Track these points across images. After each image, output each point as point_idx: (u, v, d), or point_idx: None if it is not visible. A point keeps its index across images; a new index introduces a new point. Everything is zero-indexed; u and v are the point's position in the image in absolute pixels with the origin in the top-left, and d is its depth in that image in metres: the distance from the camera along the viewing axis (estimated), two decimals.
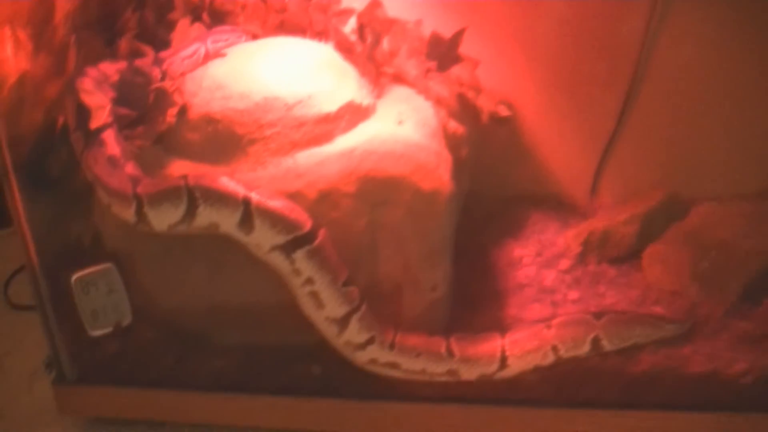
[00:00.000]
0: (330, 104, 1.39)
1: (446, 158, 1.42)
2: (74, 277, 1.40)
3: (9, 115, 1.37)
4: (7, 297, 1.87)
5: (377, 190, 1.32)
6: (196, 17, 1.60)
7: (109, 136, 1.36)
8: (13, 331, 1.77)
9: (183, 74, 1.48)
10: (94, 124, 1.34)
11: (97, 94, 1.38)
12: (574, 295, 1.54)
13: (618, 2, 1.59)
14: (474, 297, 1.53)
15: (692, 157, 1.68)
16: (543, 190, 1.78)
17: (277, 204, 1.26)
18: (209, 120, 1.38)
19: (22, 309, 1.82)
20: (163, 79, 1.46)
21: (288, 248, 1.26)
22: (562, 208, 1.76)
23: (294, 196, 1.30)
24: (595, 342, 1.36)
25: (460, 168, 1.49)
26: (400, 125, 1.43)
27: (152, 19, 1.59)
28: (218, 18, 1.60)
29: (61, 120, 1.47)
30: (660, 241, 1.62)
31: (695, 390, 1.34)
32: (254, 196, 1.24)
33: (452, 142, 1.49)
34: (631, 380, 1.36)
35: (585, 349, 1.36)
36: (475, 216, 1.67)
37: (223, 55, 1.50)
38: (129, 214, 1.29)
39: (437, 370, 1.35)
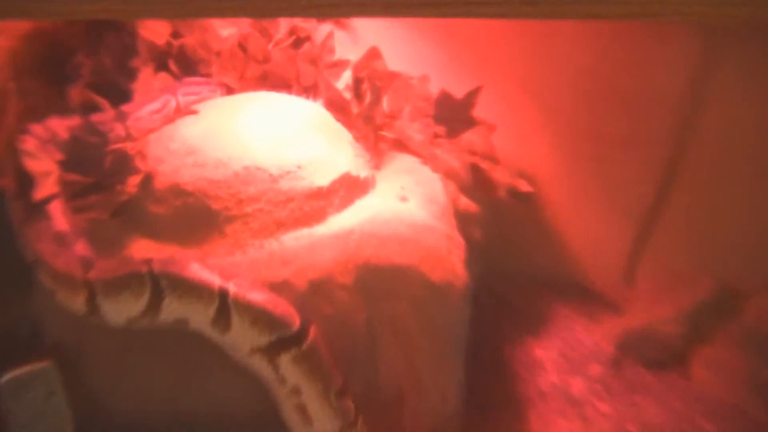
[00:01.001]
0: (322, 176, 1.45)
1: (458, 242, 1.48)
2: (4, 378, 1.39)
3: None
4: None
5: (378, 281, 1.37)
6: (162, 65, 1.65)
7: (56, 208, 1.39)
8: None
9: (148, 133, 1.53)
10: (39, 194, 1.37)
11: (42, 158, 1.42)
12: (606, 407, 1.57)
13: (651, 53, 1.66)
14: (488, 406, 1.56)
15: (746, 238, 1.72)
16: (568, 277, 1.83)
17: (259, 297, 1.29)
18: (178, 192, 1.43)
19: None
20: (126, 138, 1.50)
21: (272, 351, 1.29)
22: (590, 298, 1.81)
23: (280, 287, 1.34)
24: None
25: (472, 253, 1.53)
26: (404, 202, 1.49)
27: (110, 65, 1.63)
28: (188, 67, 1.66)
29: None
30: (711, 342, 1.65)
31: None
32: (232, 288, 1.27)
33: (464, 222, 1.55)
34: None
35: None
36: (488, 307, 1.70)
37: (195, 112, 1.55)
38: (78, 303, 1.31)
39: None
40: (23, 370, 1.39)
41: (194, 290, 1.27)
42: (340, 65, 1.64)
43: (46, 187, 1.38)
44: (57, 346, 1.43)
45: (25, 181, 1.39)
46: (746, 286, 1.70)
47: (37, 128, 1.46)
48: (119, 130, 1.51)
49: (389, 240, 1.39)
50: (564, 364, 1.65)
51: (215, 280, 1.27)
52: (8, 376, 1.38)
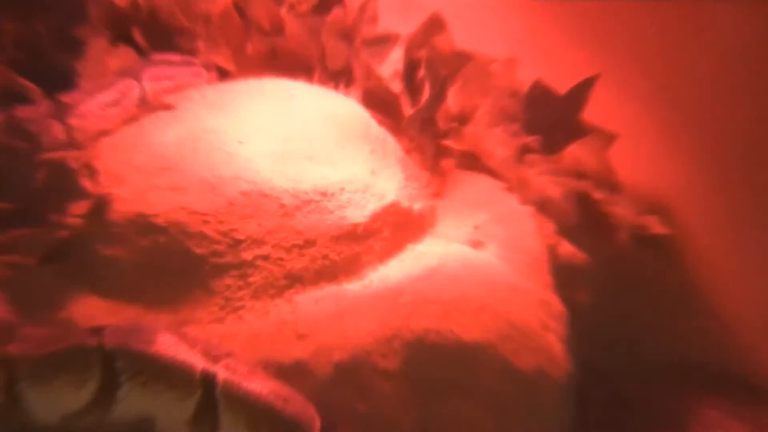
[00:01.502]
0: (357, 208, 1.49)
1: (557, 311, 1.51)
2: None
3: None
4: None
5: (439, 368, 1.40)
6: (122, 36, 1.69)
7: None
8: None
9: (100, 137, 1.56)
10: None
11: None
12: None
13: None
14: None
15: None
16: (720, 366, 1.84)
17: (261, 387, 1.30)
18: (145, 227, 1.46)
19: None
20: (67, 144, 1.53)
21: None
22: (753, 396, 1.82)
23: (292, 372, 1.37)
24: None
25: (577, 326, 1.56)
26: (478, 249, 1.52)
27: (45, 34, 1.67)
28: (160, 39, 1.69)
29: None
30: None
31: None
32: (222, 372, 1.29)
33: (566, 281, 1.57)
34: None
35: None
36: (598, 407, 1.72)
37: (170, 108, 1.59)
38: None
39: None
40: None
41: (165, 375, 1.28)
42: (385, 41, 1.67)
43: None
44: None
45: None
46: None
47: None
48: (57, 131, 1.54)
49: (456, 306, 1.41)
50: None
51: (197, 361, 1.29)
52: None
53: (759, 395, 1.83)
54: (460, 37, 1.67)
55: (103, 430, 1.30)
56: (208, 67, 1.66)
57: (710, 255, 1.80)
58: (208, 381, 1.25)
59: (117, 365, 1.25)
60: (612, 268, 1.66)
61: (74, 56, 1.64)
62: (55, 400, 1.27)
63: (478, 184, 1.61)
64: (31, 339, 1.30)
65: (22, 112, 1.55)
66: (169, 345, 1.28)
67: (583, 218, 1.62)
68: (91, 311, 1.44)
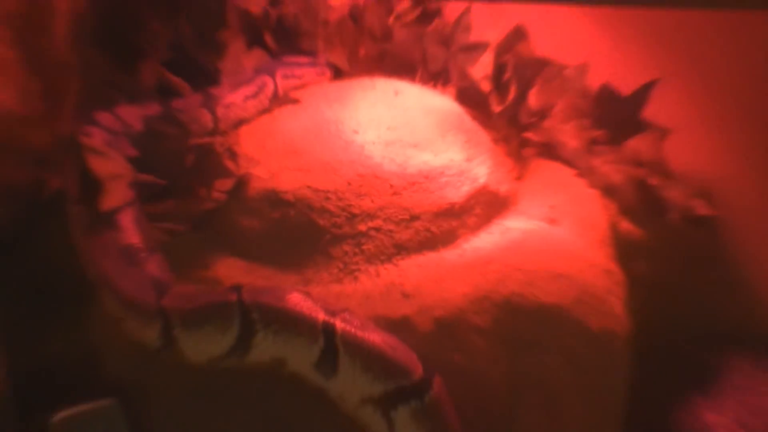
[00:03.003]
0: (454, 190, 1.49)
1: (619, 279, 1.51)
2: (55, 417, 1.42)
3: None
4: None
5: (523, 326, 1.40)
6: (256, 39, 1.69)
7: (126, 217, 1.42)
8: None
9: (240, 125, 1.57)
10: (108, 203, 1.40)
11: (111, 156, 1.44)
12: None
13: None
14: None
15: None
16: (753, 327, 1.84)
17: (373, 337, 1.32)
18: (276, 201, 1.48)
19: None
20: (213, 131, 1.54)
21: (387, 402, 1.31)
22: None
23: (399, 326, 1.37)
24: None
25: (636, 293, 1.56)
26: (554, 225, 1.52)
27: (192, 38, 1.67)
28: (288, 42, 1.70)
29: (53, 183, 1.53)
30: None
31: None
32: (340, 324, 1.30)
33: (626, 254, 1.58)
34: None
35: None
36: (653, 361, 1.70)
37: (297, 101, 1.59)
38: (151, 335, 1.35)
39: None
40: (80, 408, 1.43)
41: (293, 325, 1.30)
42: (477, 48, 1.67)
43: (115, 194, 1.40)
44: (120, 383, 1.47)
45: (90, 183, 1.41)
46: None
47: (104, 117, 1.48)
48: (205, 118, 1.54)
49: (537, 274, 1.42)
50: None
51: (319, 314, 1.30)
52: (62, 414, 1.41)
53: None
54: (539, 45, 1.68)
55: (241, 369, 1.33)
56: (327, 66, 1.67)
57: (748, 232, 1.80)
58: (328, 331, 1.27)
59: (253, 316, 1.27)
60: (664, 243, 1.66)
61: (216, 57, 1.65)
62: (203, 345, 1.30)
63: (554, 170, 1.61)
64: (183, 294, 1.32)
65: (176, 103, 1.56)
66: (296, 301, 1.29)
67: (641, 200, 1.62)
68: (232, 271, 1.45)
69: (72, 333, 1.53)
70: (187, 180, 1.52)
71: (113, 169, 1.43)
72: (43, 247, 1.52)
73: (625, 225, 1.61)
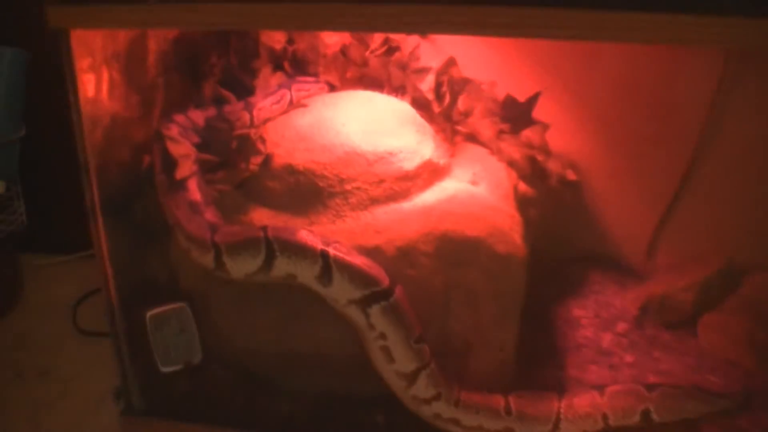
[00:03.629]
0: (409, 162, 1.39)
1: (518, 221, 1.41)
2: (149, 313, 1.39)
3: (100, 151, 1.36)
4: (75, 322, 1.86)
5: (454, 251, 1.31)
6: (278, 66, 1.60)
7: (192, 182, 1.35)
8: (80, 355, 1.77)
9: (268, 122, 1.48)
10: (180, 173, 1.34)
11: (182, 143, 1.38)
12: (630, 358, 1.51)
13: (682, 69, 1.58)
14: (534, 354, 1.50)
15: (750, 225, 1.64)
16: (603, 251, 1.76)
17: (356, 259, 1.24)
18: (291, 171, 1.38)
19: (89, 335, 1.81)
20: (250, 125, 1.45)
21: (364, 303, 1.24)
22: (620, 268, 1.74)
23: (372, 252, 1.29)
24: (645, 414, 1.32)
25: (528, 229, 1.46)
26: (475, 186, 1.42)
27: (236, 65, 1.59)
28: (298, 67, 1.60)
29: (147, 159, 1.47)
30: (717, 309, 1.59)
31: None
32: (332, 251, 1.23)
33: (523, 204, 1.48)
34: None
35: (634, 419, 1.33)
36: (537, 274, 1.64)
37: (305, 105, 1.49)
38: (208, 261, 1.28)
39: (494, 427, 1.32)
40: (163, 308, 1.39)
41: (301, 251, 1.22)
42: (424, 71, 1.56)
43: (185, 167, 1.34)
44: (189, 292, 1.41)
45: (169, 159, 1.35)
46: (749, 263, 1.63)
47: (180, 117, 1.43)
48: (245, 118, 1.46)
49: (464, 217, 1.32)
50: (597, 321, 1.59)
51: (319, 244, 1.23)
52: (152, 312, 1.38)
53: (623, 268, 1.76)
54: (465, 69, 1.59)
55: (268, 281, 1.26)
56: (325, 84, 1.57)
57: (599, 191, 1.73)
58: (324, 255, 1.20)
59: (274, 246, 1.20)
60: (547, 198, 1.58)
61: (252, 78, 1.56)
62: (241, 266, 1.23)
63: (475, 150, 1.51)
64: (228, 232, 1.24)
65: (228, 108, 1.49)
66: (303, 235, 1.22)
67: (532, 170, 1.53)
68: (262, 217, 1.36)
69: (161, 259, 1.47)
70: (232, 158, 1.43)
71: (183, 151, 1.36)
72: (144, 205, 1.46)
73: (522, 186, 1.51)
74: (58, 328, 1.84)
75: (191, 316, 1.40)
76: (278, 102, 1.48)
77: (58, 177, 1.97)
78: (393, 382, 1.30)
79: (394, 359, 1.27)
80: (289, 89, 1.50)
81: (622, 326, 1.58)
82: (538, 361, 1.48)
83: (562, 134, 1.63)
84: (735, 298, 1.59)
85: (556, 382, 1.43)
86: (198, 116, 1.45)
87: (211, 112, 1.46)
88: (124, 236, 1.45)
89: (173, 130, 1.39)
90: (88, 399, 1.63)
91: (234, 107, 1.48)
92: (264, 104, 1.47)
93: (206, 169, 1.40)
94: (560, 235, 1.72)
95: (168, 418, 1.44)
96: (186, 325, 1.41)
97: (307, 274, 1.24)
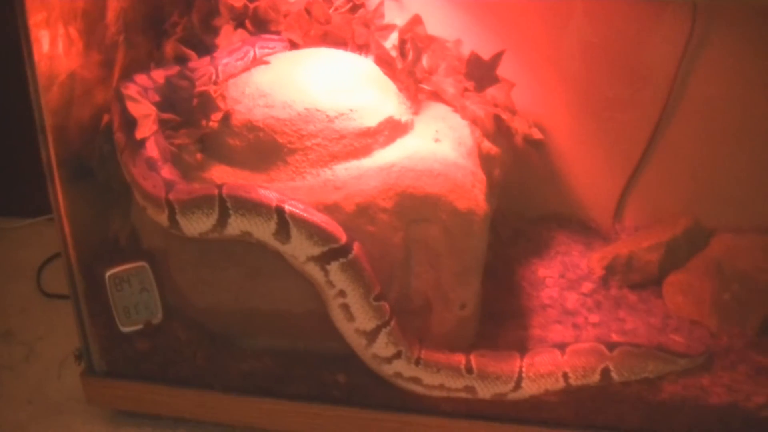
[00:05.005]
0: (370, 119, 1.36)
1: (481, 178, 1.38)
2: (108, 273, 1.37)
3: (57, 111, 1.34)
4: (39, 285, 1.83)
5: (414, 207, 1.28)
6: (240, 24, 1.56)
7: (150, 140, 1.32)
8: (45, 317, 1.74)
9: (227, 79, 1.44)
10: (141, 133, 1.30)
11: (142, 102, 1.34)
12: (594, 318, 1.50)
13: (649, 31, 1.56)
14: (499, 313, 1.48)
15: (716, 187, 1.64)
16: (569, 212, 1.74)
17: (314, 216, 1.22)
18: (251, 127, 1.34)
19: (53, 297, 1.78)
20: (213, 83, 1.42)
21: (323, 260, 1.22)
22: (586, 230, 1.72)
23: (332, 208, 1.26)
24: (605, 373, 1.32)
25: (492, 188, 1.45)
26: (438, 143, 1.39)
27: (198, 24, 1.55)
28: (260, 26, 1.56)
29: (106, 118, 1.44)
30: (682, 270, 1.58)
31: (714, 420, 1.30)
32: (287, 207, 1.20)
33: (486, 162, 1.45)
34: (650, 408, 1.31)
35: (594, 378, 1.32)
36: (502, 234, 1.63)
37: (267, 62, 1.46)
38: (162, 219, 1.26)
39: (455, 386, 1.31)
40: (123, 267, 1.37)
41: (255, 209, 1.20)
42: (388, 28, 1.53)
43: (145, 127, 1.31)
44: (150, 251, 1.39)
45: (127, 118, 1.32)
46: (714, 224, 1.63)
47: (141, 77, 1.39)
48: (210, 73, 1.42)
49: (424, 173, 1.29)
50: (562, 282, 1.57)
51: (272, 201, 1.20)
52: (111, 271, 1.36)
53: (589, 228, 1.73)
54: (430, 28, 1.55)
55: (225, 239, 1.23)
56: (288, 42, 1.53)
57: (565, 151, 1.70)
58: (280, 211, 1.17)
59: (228, 204, 1.17)
60: (511, 157, 1.56)
61: (214, 36, 1.52)
62: (195, 224, 1.21)
63: (438, 108, 1.47)
64: (183, 190, 1.22)
65: (193, 64, 1.45)
66: (258, 192, 1.20)
67: (496, 128, 1.50)
68: (221, 174, 1.34)
69: (123, 218, 1.45)
70: (193, 115, 1.38)
71: (143, 110, 1.33)
72: (105, 164, 1.42)
73: (486, 144, 1.48)
74: (22, 290, 1.82)
75: (151, 276, 1.38)
76: (242, 58, 1.44)
77: (21, 139, 1.92)
78: (353, 341, 1.28)
79: (354, 317, 1.25)
80: (253, 46, 1.46)
81: (587, 286, 1.56)
82: (502, 321, 1.47)
83: (531, 95, 1.61)
84: (700, 258, 1.58)
85: (520, 342, 1.41)
86: (160, 76, 1.40)
87: (174, 71, 1.41)
88: (85, 196, 1.43)
89: (132, 90, 1.35)
90: (51, 361, 1.61)
91: (199, 63, 1.44)
92: (229, 60, 1.43)
93: (168, 128, 1.36)
94: (526, 195, 1.70)
95: (129, 379, 1.42)
96: (146, 284, 1.38)
97: (262, 231, 1.21)
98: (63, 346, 1.57)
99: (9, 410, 1.49)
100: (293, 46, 1.53)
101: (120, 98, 1.34)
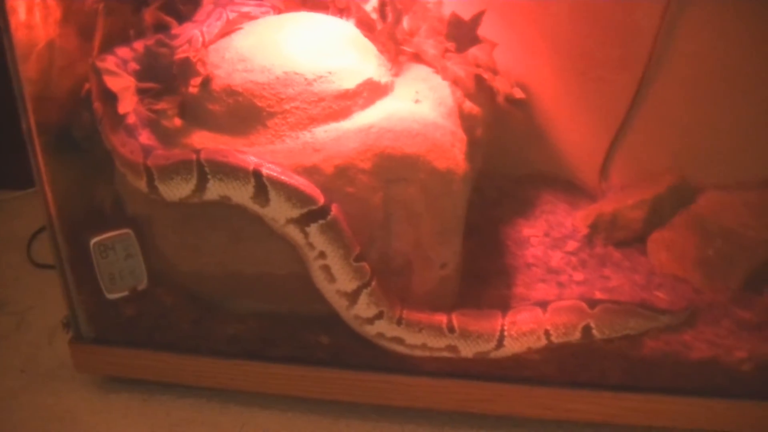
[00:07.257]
0: (349, 81, 1.34)
1: (461, 138, 1.37)
2: (93, 240, 1.36)
3: (37, 79, 1.32)
4: (29, 255, 1.83)
5: (393, 168, 1.27)
6: None
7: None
8: (36, 286, 1.75)
9: (209, 44, 1.42)
10: (123, 108, 1.28)
11: (120, 74, 1.32)
12: (579, 276, 1.49)
13: None
14: (483, 273, 1.47)
15: (701, 144, 1.62)
16: (554, 171, 1.72)
17: (291, 178, 1.21)
18: (230, 92, 1.33)
19: (43, 267, 1.78)
20: (192, 48, 1.39)
21: (302, 222, 1.21)
22: (571, 189, 1.71)
23: (311, 170, 1.25)
24: (586, 330, 1.31)
25: (474, 148, 1.43)
26: (418, 104, 1.37)
27: None
28: None
29: (86, 86, 1.42)
30: (666, 226, 1.57)
31: (695, 375, 1.30)
32: (265, 170, 1.19)
33: (468, 123, 1.43)
34: (633, 363, 1.31)
35: (576, 336, 1.31)
36: (487, 194, 1.62)
37: (240, 28, 1.44)
38: (141, 185, 1.25)
39: (437, 345, 1.31)
40: (107, 234, 1.36)
41: (233, 172, 1.19)
42: None
43: (126, 101, 1.29)
44: (134, 217, 1.38)
45: (105, 87, 1.30)
46: (698, 182, 1.60)
47: (121, 49, 1.37)
48: (197, 36, 1.41)
49: (403, 134, 1.28)
50: (547, 240, 1.56)
51: (249, 165, 1.19)
52: (96, 239, 1.35)
53: (573, 187, 1.72)
54: None
55: (205, 203, 1.22)
56: (269, 5, 1.51)
57: (549, 110, 1.68)
58: (257, 174, 1.16)
59: (206, 169, 1.17)
60: (494, 117, 1.53)
61: (193, 7, 1.49)
62: (173, 190, 1.20)
63: (419, 69, 1.45)
64: (161, 156, 1.21)
65: (176, 30, 1.42)
66: (235, 156, 1.19)
67: (477, 89, 1.47)
68: (201, 139, 1.32)
69: (105, 186, 1.44)
70: (173, 81, 1.36)
71: (122, 83, 1.31)
72: (87, 133, 1.41)
73: (468, 105, 1.46)
74: (12, 261, 1.82)
75: (136, 242, 1.37)
76: (219, 19, 1.43)
77: (10, 112, 1.91)
78: (335, 302, 1.27)
79: (335, 278, 1.24)
80: (225, 9, 1.44)
81: (572, 245, 1.55)
82: (486, 280, 1.46)
83: (514, 55, 1.59)
84: (684, 214, 1.56)
85: (504, 301, 1.41)
86: (142, 46, 1.39)
87: (153, 40, 1.39)
88: (70, 166, 1.42)
89: (110, 62, 1.33)
90: (42, 330, 1.61)
91: (182, 28, 1.41)
92: (210, 21, 1.42)
93: (150, 95, 1.34)
94: (510, 156, 1.68)
95: (116, 345, 1.42)
96: (131, 251, 1.37)
97: (241, 195, 1.20)
98: (53, 314, 1.57)
99: (2, 378, 1.50)
100: (277, 11, 1.50)
101: (96, 72, 1.32)
